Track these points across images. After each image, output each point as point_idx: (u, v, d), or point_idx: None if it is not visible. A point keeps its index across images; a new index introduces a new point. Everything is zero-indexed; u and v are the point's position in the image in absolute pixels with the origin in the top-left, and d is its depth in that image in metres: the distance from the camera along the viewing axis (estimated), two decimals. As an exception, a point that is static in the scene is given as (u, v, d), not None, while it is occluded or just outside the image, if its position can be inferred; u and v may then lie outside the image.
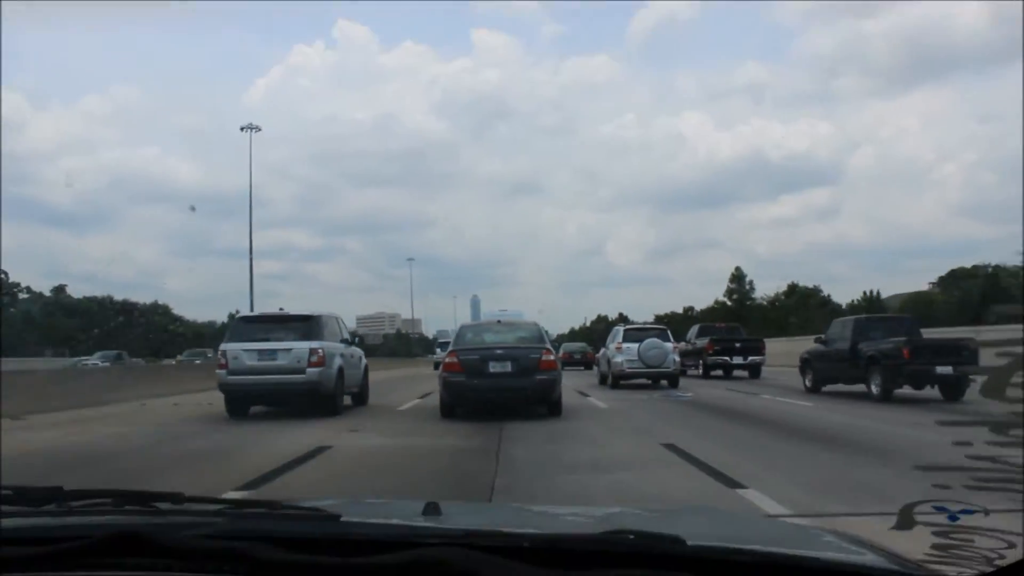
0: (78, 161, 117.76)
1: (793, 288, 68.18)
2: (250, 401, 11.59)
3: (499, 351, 10.47)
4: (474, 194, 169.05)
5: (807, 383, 14.83)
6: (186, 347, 47.69)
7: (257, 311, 16.91)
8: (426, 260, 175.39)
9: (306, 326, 11.58)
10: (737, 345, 21.54)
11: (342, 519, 1.21)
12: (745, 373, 21.11)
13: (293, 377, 11.11)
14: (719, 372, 21.58)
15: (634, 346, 17.00)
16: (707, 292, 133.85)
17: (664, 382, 17.35)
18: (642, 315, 78.38)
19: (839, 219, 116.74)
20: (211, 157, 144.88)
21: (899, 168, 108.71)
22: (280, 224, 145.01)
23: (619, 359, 17.15)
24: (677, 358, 17.42)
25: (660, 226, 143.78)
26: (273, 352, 11.26)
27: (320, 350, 11.28)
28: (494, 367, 10.24)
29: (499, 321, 12.60)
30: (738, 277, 69.60)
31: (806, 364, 15.05)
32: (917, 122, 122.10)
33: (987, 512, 1.52)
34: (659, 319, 66.97)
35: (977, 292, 45.65)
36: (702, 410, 11.86)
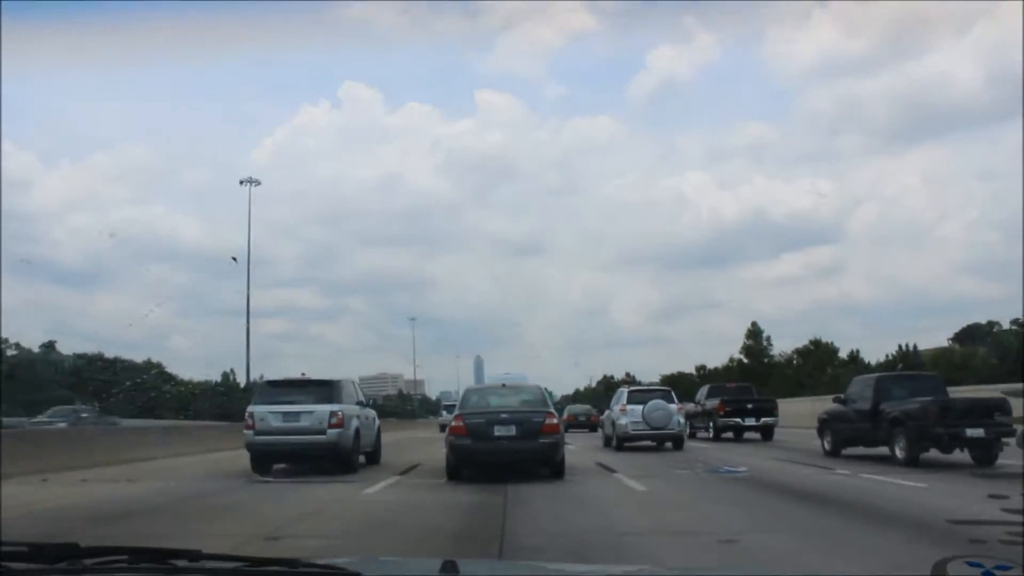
0: (84, 219, 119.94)
1: (817, 344, 63.72)
2: (274, 459, 12.24)
3: (504, 415, 10.80)
4: (477, 254, 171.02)
5: (826, 445, 14.32)
6: (179, 408, 47.49)
7: (273, 375, 17.72)
8: (429, 320, 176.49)
9: (326, 390, 12.45)
10: (749, 406, 21.17)
11: None
12: (757, 435, 20.83)
13: (315, 438, 11.91)
14: (729, 435, 21.21)
15: (638, 408, 17.33)
16: (711, 353, 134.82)
17: (669, 444, 17.65)
18: (647, 376, 78.34)
19: (843, 277, 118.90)
20: (216, 215, 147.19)
21: (901, 226, 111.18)
22: (285, 284, 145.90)
23: (623, 421, 17.50)
24: (682, 420, 17.77)
25: (663, 286, 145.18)
26: (297, 414, 12.06)
27: (339, 412, 12.07)
28: (499, 431, 10.56)
29: (504, 385, 13.16)
30: (755, 333, 66.61)
31: (824, 425, 14.45)
32: (918, 180, 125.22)
33: None
34: (668, 379, 66.59)
35: (1017, 344, 45.17)
36: (778, 495, 9.06)
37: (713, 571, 3.40)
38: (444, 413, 28.11)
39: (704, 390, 23.55)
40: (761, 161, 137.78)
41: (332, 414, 11.99)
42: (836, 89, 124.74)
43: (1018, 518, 1.56)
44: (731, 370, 62.20)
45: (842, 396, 14.34)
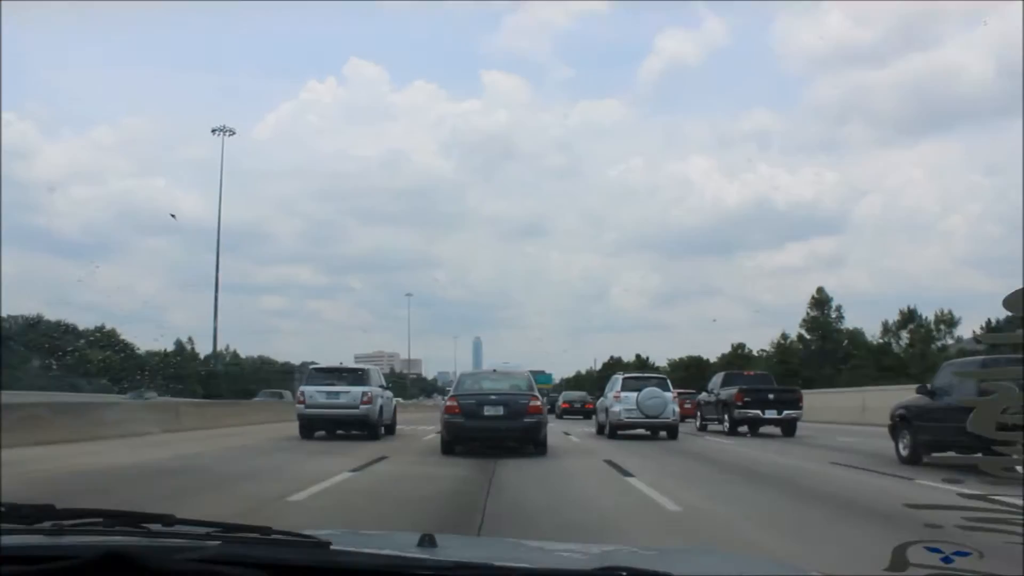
0: (86, 191, 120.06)
1: (910, 315, 50.77)
2: (317, 426, 16.07)
3: (493, 397, 12.42)
4: (479, 235, 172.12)
5: (902, 450, 11.53)
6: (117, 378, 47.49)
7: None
8: (429, 300, 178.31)
9: (359, 376, 16.65)
10: (770, 396, 19.39)
11: (333, 547, 1.26)
12: (777, 430, 19.31)
13: (350, 411, 15.76)
14: (744, 429, 19.35)
15: (633, 395, 17.09)
16: (711, 340, 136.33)
17: (663, 434, 17.49)
18: (661, 358, 79.01)
19: (845, 268, 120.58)
20: (217, 190, 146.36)
21: (905, 218, 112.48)
22: (285, 260, 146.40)
23: (617, 408, 17.24)
24: (676, 408, 17.55)
25: (665, 272, 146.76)
26: (337, 393, 15.85)
27: (368, 393, 15.87)
28: (488, 411, 12.11)
29: (495, 370, 15.34)
30: (821, 302, 55.32)
31: (903, 424, 11.65)
32: (923, 172, 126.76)
33: (982, 555, 1.56)
34: (690, 362, 65.58)
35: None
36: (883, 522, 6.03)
37: (691, 550, 3.53)
38: (441, 399, 28.74)
39: (718, 378, 21.78)
40: (767, 149, 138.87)
41: (364, 394, 15.78)
42: (844, 79, 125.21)
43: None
44: (788, 350, 53.69)
45: (929, 386, 11.52)
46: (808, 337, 54.87)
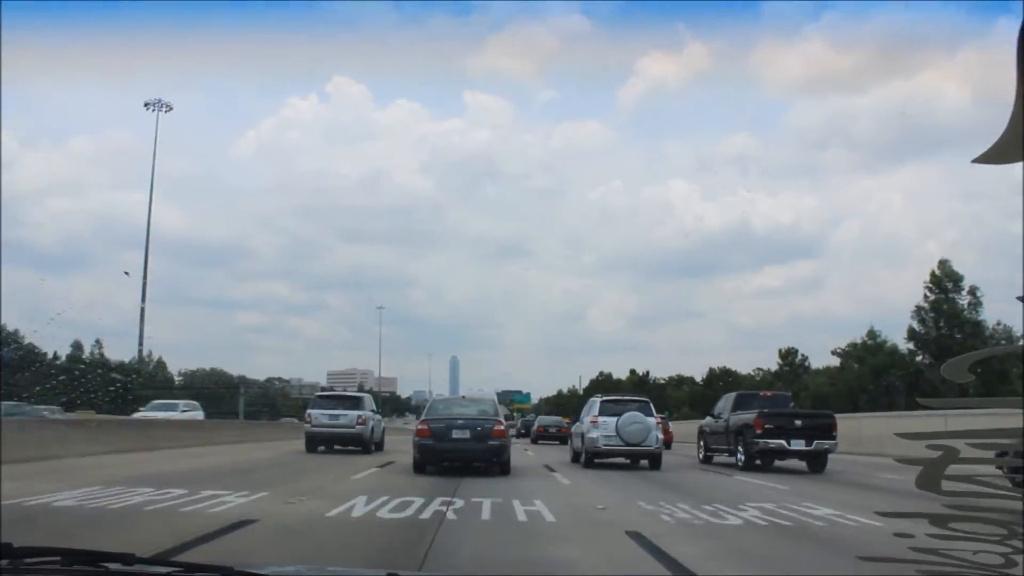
0: (64, 203, 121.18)
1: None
2: (320, 442, 20.56)
3: (460, 421, 14.02)
4: (459, 255, 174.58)
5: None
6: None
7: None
8: (407, 319, 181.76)
9: (355, 401, 21.75)
10: (797, 423, 16.93)
11: None
12: (802, 464, 17.12)
13: (347, 430, 20.30)
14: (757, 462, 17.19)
15: (612, 420, 16.50)
16: (689, 362, 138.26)
17: (644, 462, 16.80)
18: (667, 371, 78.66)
19: (822, 292, 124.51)
20: (197, 206, 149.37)
21: (882, 243, 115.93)
22: (264, 276, 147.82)
23: (594, 434, 16.63)
24: (660, 436, 16.89)
25: (643, 294, 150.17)
26: (337, 415, 20.41)
27: (362, 416, 20.57)
28: (456, 434, 13.81)
29: (464, 396, 17.18)
30: (945, 281, 42.71)
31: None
32: (901, 198, 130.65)
33: None
34: (667, 381, 64.29)
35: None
36: None
37: None
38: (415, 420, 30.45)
39: (728, 400, 19.19)
40: (747, 172, 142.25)
41: (359, 416, 20.46)
42: (824, 105, 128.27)
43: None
44: (878, 353, 42.10)
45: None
46: (921, 331, 42.17)
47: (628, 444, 16.40)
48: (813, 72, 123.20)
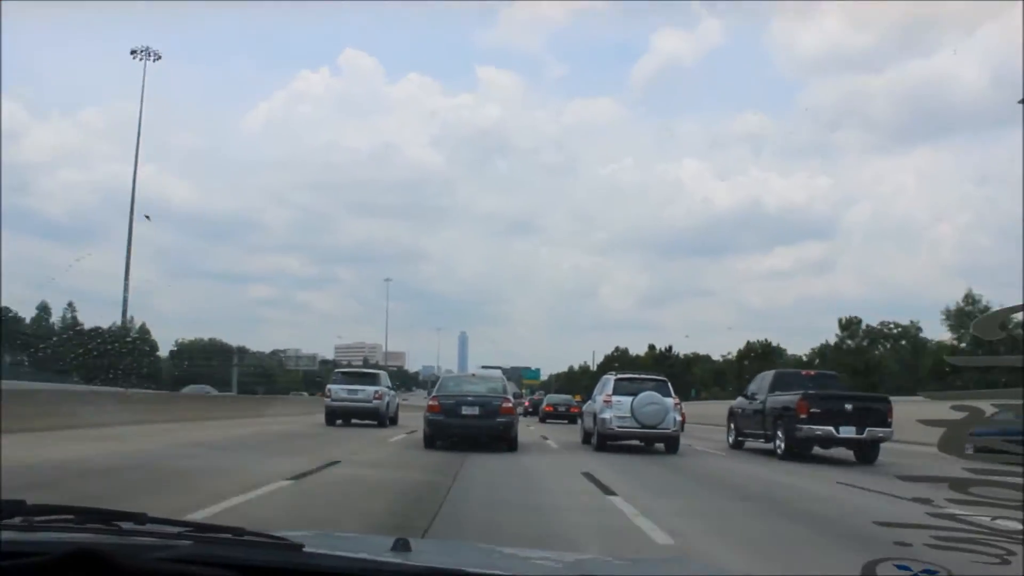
0: (74, 174, 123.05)
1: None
2: (339, 416, 22.03)
3: (470, 398, 14.80)
4: (469, 230, 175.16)
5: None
6: None
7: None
8: (417, 293, 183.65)
9: (372, 378, 23.49)
10: (847, 407, 15.35)
11: (305, 550, 1.32)
12: (848, 453, 15.66)
13: (365, 404, 22.02)
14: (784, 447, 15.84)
15: (626, 400, 16.47)
16: (699, 342, 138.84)
17: (660, 445, 16.88)
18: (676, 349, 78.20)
19: (833, 274, 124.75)
20: (207, 179, 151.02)
21: (894, 225, 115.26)
22: (275, 250, 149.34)
23: (607, 415, 16.61)
24: (678, 417, 16.94)
25: (654, 272, 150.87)
26: (355, 391, 22.11)
27: (379, 391, 22.39)
28: (465, 410, 14.53)
29: (473, 374, 19.54)
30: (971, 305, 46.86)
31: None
32: (914, 180, 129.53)
33: (950, 574, 1.60)
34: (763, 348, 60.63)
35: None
36: None
37: (664, 560, 3.82)
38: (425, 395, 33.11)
39: (765, 378, 17.74)
40: (759, 152, 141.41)
41: (375, 392, 22.28)
42: (839, 83, 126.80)
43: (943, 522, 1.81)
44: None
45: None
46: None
47: (644, 426, 16.38)
48: (828, 50, 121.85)
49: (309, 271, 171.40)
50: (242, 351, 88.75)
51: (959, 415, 1.77)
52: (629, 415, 16.30)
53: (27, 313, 72.32)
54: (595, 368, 79.92)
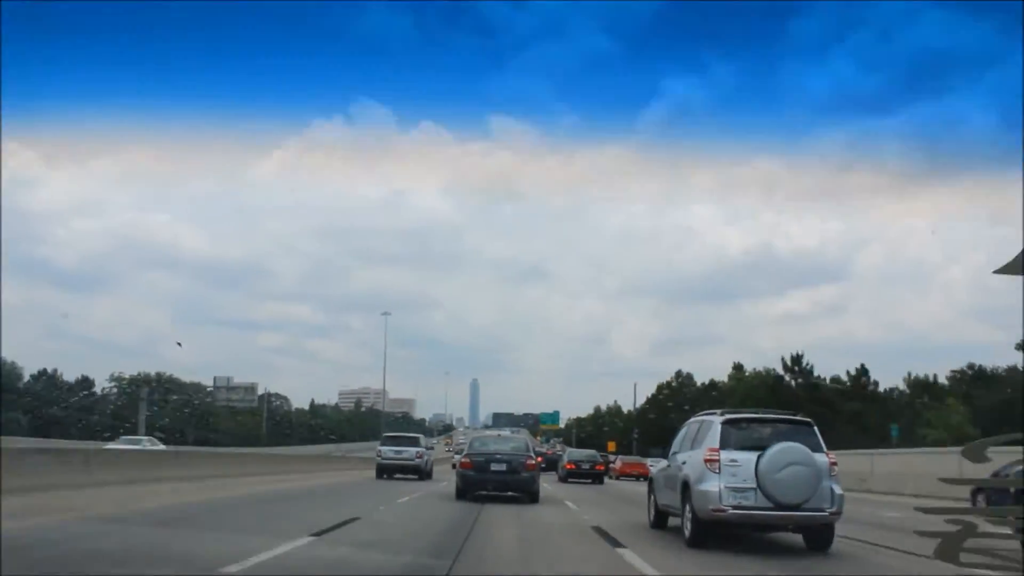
0: (87, 223, 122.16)
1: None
2: (388, 471, 27.98)
3: (498, 456, 16.98)
4: (479, 277, 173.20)
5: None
6: None
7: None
8: (426, 341, 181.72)
9: (414, 440, 30.51)
10: None
11: None
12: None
13: (409, 462, 28.26)
14: None
15: (748, 458, 9.07)
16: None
17: (798, 536, 9.31)
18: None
19: (846, 316, 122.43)
20: (219, 226, 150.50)
21: (907, 267, 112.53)
22: (284, 298, 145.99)
23: (712, 485, 9.13)
24: (837, 488, 9.31)
25: (666, 318, 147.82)
26: (400, 451, 28.60)
27: (420, 452, 28.96)
28: (494, 467, 16.69)
29: (499, 435, 23.84)
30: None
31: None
32: (925, 222, 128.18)
33: None
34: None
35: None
36: None
37: None
38: (456, 456, 31.73)
39: None
40: (770, 196, 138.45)
41: (417, 452, 28.70)
42: (849, 125, 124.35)
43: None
44: None
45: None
46: None
47: (780, 504, 8.94)
48: (838, 94, 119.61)
49: (319, 319, 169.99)
50: (169, 382, 68.82)
51: (954, 528, 2.49)
52: (753, 486, 8.85)
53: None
54: (634, 409, 68.88)
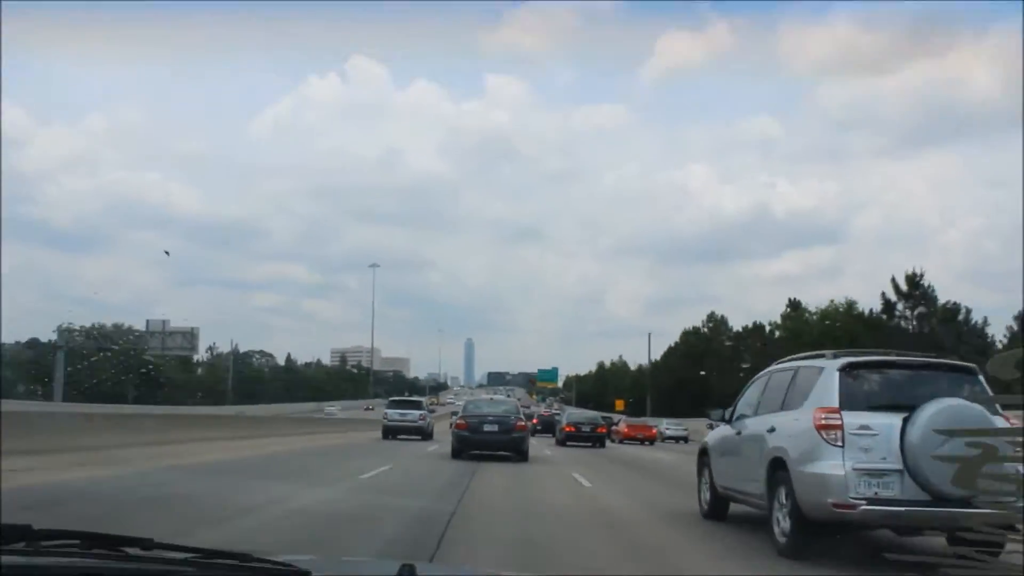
0: (79, 182, 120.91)
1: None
2: (393, 433, 30.00)
3: (490, 418, 18.45)
4: (475, 237, 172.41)
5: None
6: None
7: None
8: (421, 300, 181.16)
9: (417, 403, 34.09)
10: None
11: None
12: None
13: (413, 423, 30.43)
14: None
15: (891, 423, 5.83)
16: None
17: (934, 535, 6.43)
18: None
19: (842, 278, 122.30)
20: (212, 185, 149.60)
21: (904, 230, 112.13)
22: (279, 258, 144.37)
23: (830, 466, 5.85)
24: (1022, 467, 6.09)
25: (661, 279, 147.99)
26: (405, 414, 30.94)
27: (423, 414, 31.63)
28: (487, 427, 18.21)
29: (491, 398, 28.42)
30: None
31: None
32: (924, 185, 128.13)
33: None
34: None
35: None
36: None
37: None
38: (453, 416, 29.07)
39: None
40: (768, 156, 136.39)
41: (420, 414, 31.22)
42: (849, 86, 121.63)
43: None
44: None
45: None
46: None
47: (941, 497, 5.72)
48: (839, 53, 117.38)
49: (314, 279, 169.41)
50: (85, 334, 56.49)
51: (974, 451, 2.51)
52: (897, 466, 5.77)
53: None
54: (648, 364, 60.45)
